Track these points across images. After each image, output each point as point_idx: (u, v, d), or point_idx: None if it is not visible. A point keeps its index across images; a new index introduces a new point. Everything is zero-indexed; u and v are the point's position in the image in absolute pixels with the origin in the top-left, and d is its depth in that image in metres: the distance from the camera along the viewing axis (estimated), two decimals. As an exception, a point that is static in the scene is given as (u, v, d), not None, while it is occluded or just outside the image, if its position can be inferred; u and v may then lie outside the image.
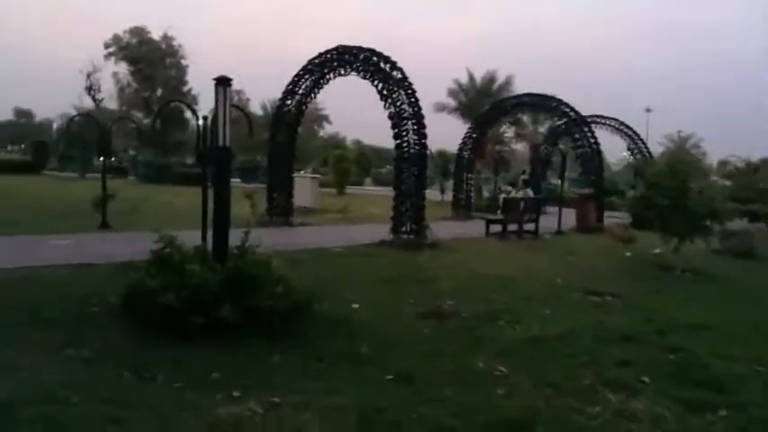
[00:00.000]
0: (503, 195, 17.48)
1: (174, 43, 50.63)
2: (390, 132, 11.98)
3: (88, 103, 46.36)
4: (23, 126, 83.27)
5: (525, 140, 37.08)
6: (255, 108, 49.21)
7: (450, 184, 24.12)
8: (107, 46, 48.80)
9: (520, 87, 26.69)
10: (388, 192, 17.48)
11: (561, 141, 22.50)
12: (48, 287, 6.26)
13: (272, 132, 14.86)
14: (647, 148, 23.37)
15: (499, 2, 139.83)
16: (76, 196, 15.98)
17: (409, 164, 11.83)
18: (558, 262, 10.68)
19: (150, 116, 45.99)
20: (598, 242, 13.87)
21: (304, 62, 13.81)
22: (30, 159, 37.94)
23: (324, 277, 7.43)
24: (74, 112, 37.50)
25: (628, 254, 11.98)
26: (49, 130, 63.31)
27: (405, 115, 11.83)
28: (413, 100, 11.85)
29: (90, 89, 46.36)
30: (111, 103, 49.18)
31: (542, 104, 20.41)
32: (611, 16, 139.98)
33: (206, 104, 31.47)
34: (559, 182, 18.93)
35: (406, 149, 11.81)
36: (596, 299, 7.67)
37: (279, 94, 14.66)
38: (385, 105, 12.01)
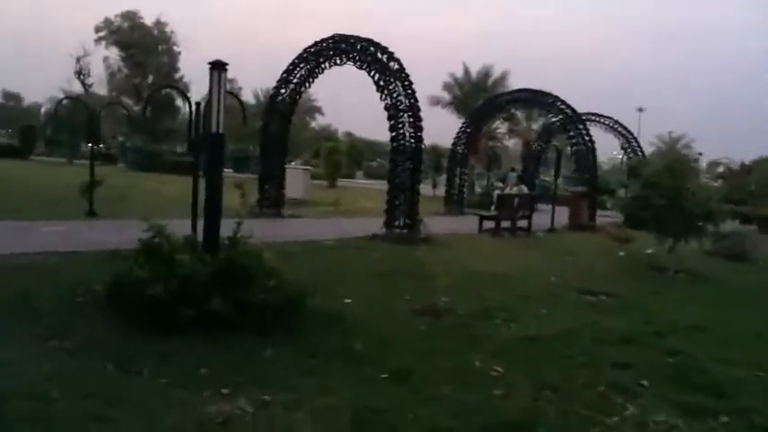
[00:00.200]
0: (497, 192, 17.41)
1: (167, 30, 50.04)
2: (383, 126, 11.85)
3: (77, 87, 45.52)
4: (11, 110, 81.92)
5: (518, 137, 37.00)
6: (248, 97, 48.68)
7: (442, 178, 24.03)
8: (98, 30, 48.08)
9: (518, 85, 26.66)
10: (380, 185, 17.37)
11: (555, 138, 22.44)
12: (31, 276, 6.04)
13: (265, 122, 14.64)
14: (640, 147, 23.38)
15: (499, 1, 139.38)
16: (64, 182, 15.68)
17: (404, 157, 11.69)
18: (553, 260, 10.61)
19: (140, 103, 45.36)
20: (592, 240, 13.83)
21: (300, 51, 13.59)
22: (17, 144, 37.24)
23: (316, 271, 7.28)
24: (62, 96, 36.87)
25: (621, 253, 11.93)
26: (38, 114, 62.27)
27: (401, 107, 11.67)
28: (409, 92, 11.69)
29: (80, 73, 45.50)
30: (101, 89, 48.48)
31: (537, 100, 20.31)
32: (611, 16, 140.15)
33: (198, 93, 31.15)
34: (551, 179, 18.89)
35: (401, 142, 11.66)
36: (591, 298, 7.60)
37: (272, 84, 14.45)
38: (381, 96, 11.84)
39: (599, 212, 18.90)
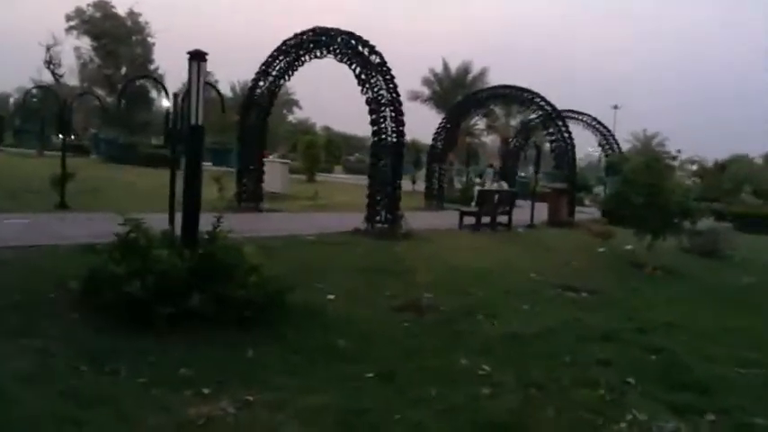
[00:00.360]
0: (477, 187, 17.38)
1: (141, 20, 48.94)
2: (361, 120, 11.74)
3: (48, 77, 44.41)
4: (-21, 99, 79.65)
5: (496, 133, 37.12)
6: (225, 89, 47.96)
7: (421, 173, 23.92)
8: (69, 19, 46.83)
9: (497, 82, 26.49)
10: (359, 180, 17.18)
11: (534, 135, 22.52)
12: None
13: (243, 114, 14.38)
14: (617, 144, 23.61)
15: (498, 1, 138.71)
16: (33, 173, 15.21)
17: (386, 152, 11.57)
18: (533, 255, 10.62)
19: (113, 94, 44.32)
20: (571, 236, 13.89)
21: (279, 44, 13.36)
22: (-16, 135, 36.13)
23: (297, 266, 7.15)
24: (32, 86, 35.86)
25: (601, 249, 12.01)
26: (6, 105, 60.53)
27: (382, 101, 11.54)
28: (391, 86, 11.56)
29: (50, 63, 44.40)
30: (72, 79, 47.30)
31: (517, 96, 20.31)
32: (611, 16, 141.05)
33: (173, 85, 30.55)
34: (529, 175, 18.96)
35: (383, 137, 11.54)
36: (573, 294, 7.61)
37: (249, 77, 14.15)
38: (362, 90, 11.68)
39: (577, 209, 19.04)
